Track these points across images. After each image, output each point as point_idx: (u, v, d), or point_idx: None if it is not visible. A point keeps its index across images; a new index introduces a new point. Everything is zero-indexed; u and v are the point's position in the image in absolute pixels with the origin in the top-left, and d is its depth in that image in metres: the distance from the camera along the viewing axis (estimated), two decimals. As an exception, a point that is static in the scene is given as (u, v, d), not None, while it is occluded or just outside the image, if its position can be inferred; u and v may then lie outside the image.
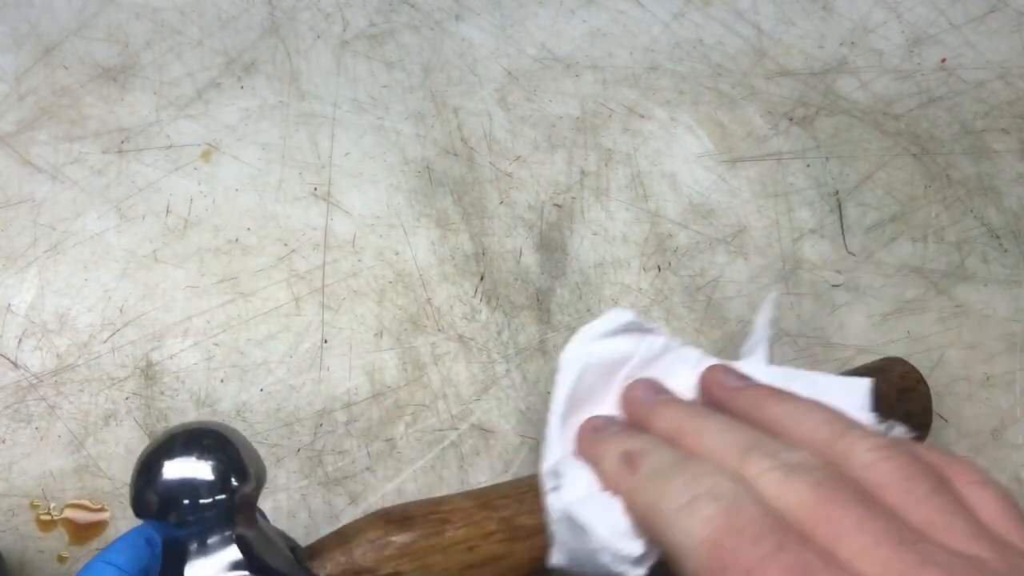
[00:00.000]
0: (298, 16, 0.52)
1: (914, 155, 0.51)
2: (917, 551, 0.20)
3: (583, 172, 0.48)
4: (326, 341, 0.42)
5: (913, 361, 0.44)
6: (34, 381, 0.40)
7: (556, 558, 0.30)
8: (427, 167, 0.47)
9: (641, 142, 0.50)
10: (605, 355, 0.33)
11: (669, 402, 0.30)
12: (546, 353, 0.43)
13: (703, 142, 0.50)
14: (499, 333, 0.43)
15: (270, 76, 0.49)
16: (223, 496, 0.27)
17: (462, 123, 0.49)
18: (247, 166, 0.46)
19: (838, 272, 0.47)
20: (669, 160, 0.49)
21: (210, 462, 0.27)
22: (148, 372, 0.40)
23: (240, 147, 0.47)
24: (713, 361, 0.34)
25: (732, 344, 0.44)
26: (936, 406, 0.43)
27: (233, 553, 0.27)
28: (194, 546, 0.27)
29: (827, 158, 0.50)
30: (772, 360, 0.34)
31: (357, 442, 0.40)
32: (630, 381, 0.33)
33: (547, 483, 0.31)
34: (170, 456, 0.27)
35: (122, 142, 0.46)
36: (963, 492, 0.23)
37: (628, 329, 0.33)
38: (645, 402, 0.31)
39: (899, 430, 0.28)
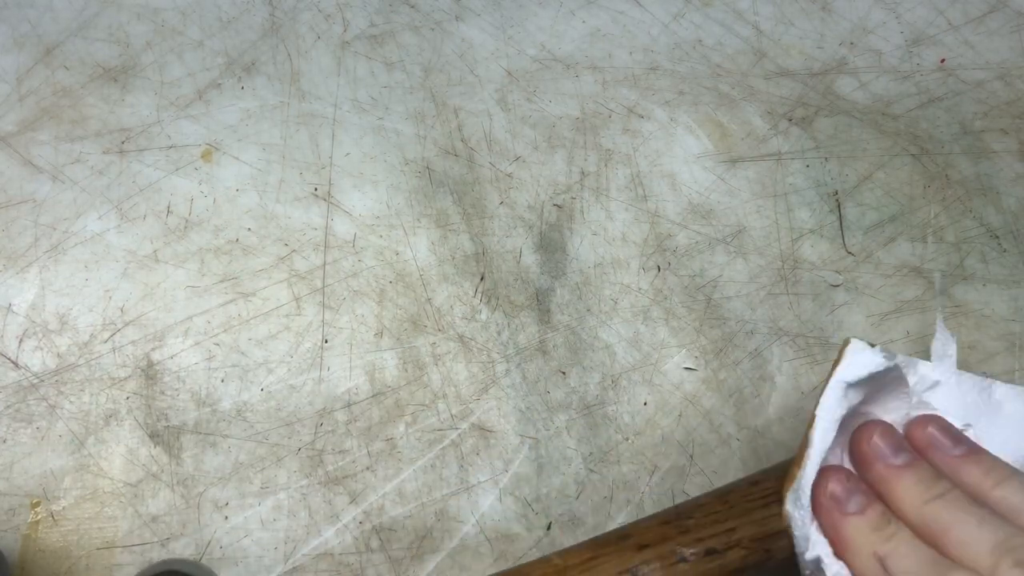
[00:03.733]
0: (298, 17, 0.52)
1: (913, 155, 0.51)
2: None
3: (583, 172, 0.48)
4: (326, 341, 0.42)
5: (912, 361, 0.44)
6: (35, 381, 0.40)
7: None
8: (427, 167, 0.48)
9: (641, 142, 0.50)
10: (855, 399, 0.32)
11: (909, 471, 0.30)
12: (546, 353, 0.43)
13: (703, 142, 0.50)
14: (499, 333, 0.43)
15: (271, 76, 0.49)
16: None
17: (462, 123, 0.49)
18: (248, 166, 0.46)
19: (837, 272, 0.47)
20: (669, 160, 0.49)
21: None
22: (149, 372, 0.40)
23: (241, 147, 0.47)
24: (923, 401, 0.33)
25: (731, 344, 0.44)
26: (935, 406, 0.43)
27: None
28: None
29: (826, 158, 0.50)
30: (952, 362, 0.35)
31: (357, 442, 0.40)
32: (859, 420, 0.33)
33: (805, 572, 0.31)
34: None
35: (123, 142, 0.46)
36: None
37: (876, 376, 0.32)
38: (884, 463, 0.30)
39: None
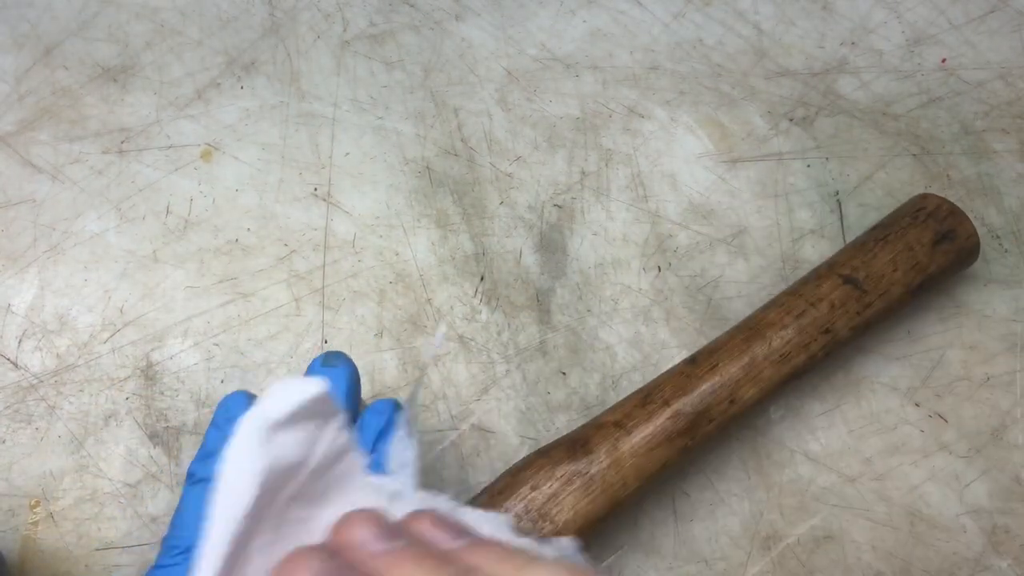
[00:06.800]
0: (298, 16, 0.52)
1: (914, 155, 0.51)
2: None
3: (583, 172, 0.48)
4: (326, 341, 0.42)
5: (913, 361, 0.44)
6: (34, 381, 0.40)
7: None
8: (427, 167, 0.47)
9: (641, 142, 0.50)
10: (284, 457, 0.23)
11: (409, 553, 0.23)
12: (546, 353, 0.43)
13: (703, 142, 0.50)
14: (499, 333, 0.43)
15: (270, 76, 0.49)
16: None
17: (462, 123, 0.49)
18: (247, 166, 0.46)
19: (838, 272, 0.47)
20: (669, 160, 0.49)
21: None
22: (148, 372, 0.40)
23: (240, 147, 0.47)
24: (364, 496, 0.26)
25: (732, 344, 0.44)
26: (936, 406, 0.43)
27: None
28: None
29: (827, 158, 0.50)
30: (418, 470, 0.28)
31: (357, 442, 0.40)
32: (339, 508, 0.25)
33: None
34: None
35: (122, 142, 0.46)
36: None
37: (308, 413, 0.24)
38: (374, 552, 0.24)
39: (562, 543, 0.26)
